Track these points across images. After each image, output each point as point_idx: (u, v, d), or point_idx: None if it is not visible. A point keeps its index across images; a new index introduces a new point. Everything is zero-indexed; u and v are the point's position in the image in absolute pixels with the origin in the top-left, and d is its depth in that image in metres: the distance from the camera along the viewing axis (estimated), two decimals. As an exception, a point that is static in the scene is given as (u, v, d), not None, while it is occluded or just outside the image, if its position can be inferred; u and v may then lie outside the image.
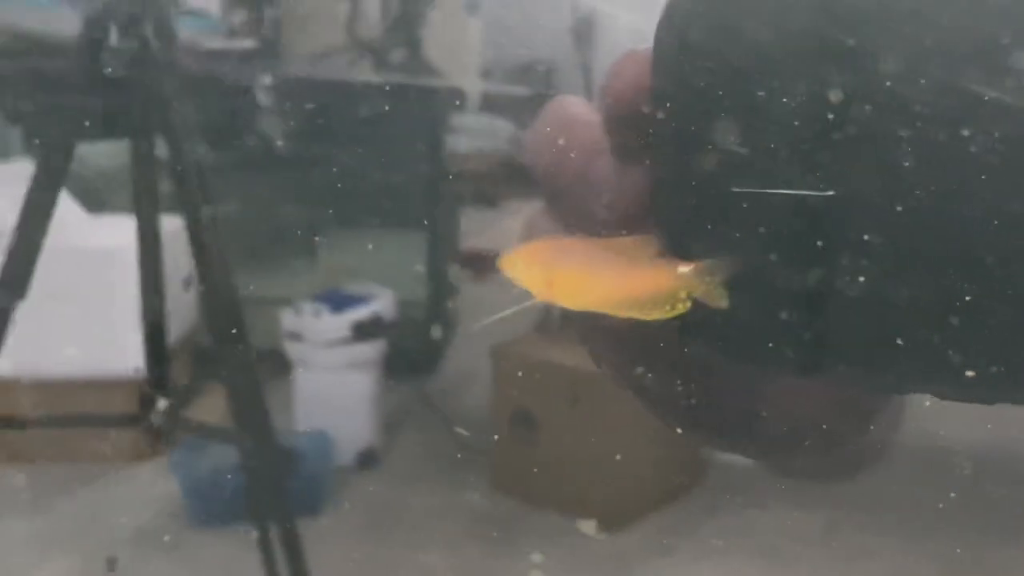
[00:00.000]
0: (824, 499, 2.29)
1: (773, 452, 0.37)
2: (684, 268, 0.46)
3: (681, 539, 2.12)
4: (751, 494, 2.32)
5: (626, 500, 2.17)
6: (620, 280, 0.51)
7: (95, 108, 0.96)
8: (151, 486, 2.31)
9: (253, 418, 0.84)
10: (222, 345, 0.88)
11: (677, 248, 0.27)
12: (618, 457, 2.13)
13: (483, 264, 4.40)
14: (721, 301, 0.45)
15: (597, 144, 0.28)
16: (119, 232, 2.44)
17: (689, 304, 0.42)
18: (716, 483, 2.36)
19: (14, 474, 2.20)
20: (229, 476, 2.02)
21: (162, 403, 0.92)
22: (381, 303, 2.46)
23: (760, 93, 0.23)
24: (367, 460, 2.41)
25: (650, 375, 0.31)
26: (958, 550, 2.03)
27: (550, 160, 0.30)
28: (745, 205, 0.24)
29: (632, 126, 0.26)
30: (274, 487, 0.93)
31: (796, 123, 0.22)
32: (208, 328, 0.98)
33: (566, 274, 0.51)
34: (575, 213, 0.29)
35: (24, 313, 2.34)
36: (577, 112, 0.29)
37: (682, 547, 2.09)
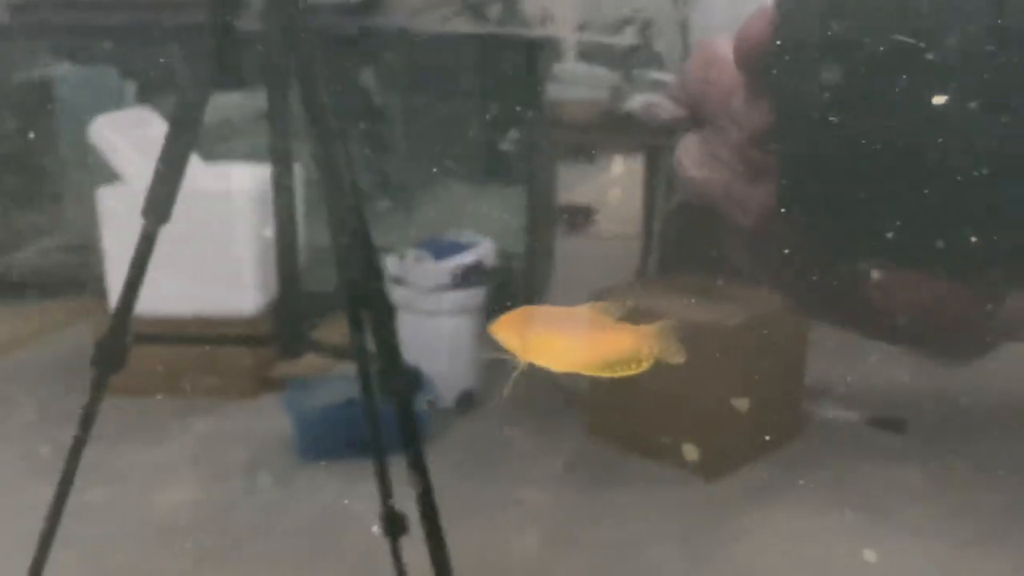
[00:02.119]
0: (925, 454, 2.26)
1: (888, 335, 0.40)
2: (644, 332, 0.54)
3: (779, 490, 2.12)
4: (850, 447, 2.31)
5: (723, 449, 2.18)
6: (586, 344, 0.59)
7: (231, 58, 1.01)
8: (259, 421, 2.41)
9: (385, 342, 0.88)
10: (359, 276, 0.91)
11: (797, 163, 0.32)
12: (716, 406, 2.14)
13: (579, 217, 4.41)
14: (678, 358, 0.53)
15: (734, 81, 0.33)
16: (232, 178, 2.54)
17: (650, 362, 0.50)
18: (814, 435, 2.35)
19: (134, 405, 2.32)
20: (342, 409, 2.11)
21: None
22: (482, 251, 2.50)
23: (856, 41, 0.29)
24: (466, 402, 2.47)
25: (782, 270, 0.37)
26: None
27: (697, 93, 0.35)
28: (847, 126, 0.29)
29: (759, 67, 0.32)
30: (405, 406, 0.98)
31: (884, 65, 0.28)
32: (342, 260, 1.02)
33: (538, 340, 0.60)
34: (716, 136, 0.35)
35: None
36: (720, 53, 0.35)
37: (780, 498, 2.09)
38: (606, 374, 0.62)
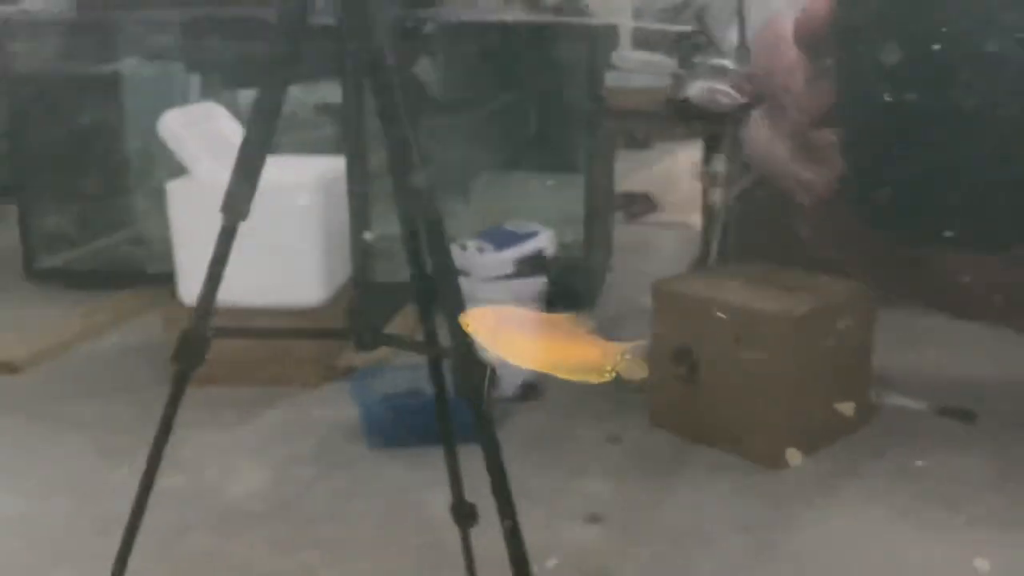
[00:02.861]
0: (995, 444, 2.22)
1: (967, 313, 0.41)
2: (612, 348, 0.59)
3: (847, 479, 2.10)
4: (919, 437, 2.27)
5: (789, 438, 2.16)
6: (553, 348, 0.63)
7: (307, 52, 1.03)
8: (325, 410, 2.45)
9: (458, 337, 0.89)
10: (436, 273, 0.92)
11: (856, 141, 0.32)
12: (782, 394, 2.12)
13: (636, 206, 4.39)
14: (640, 376, 0.57)
15: (797, 60, 0.34)
16: (297, 170, 2.58)
17: (612, 375, 0.54)
18: (883, 425, 2.32)
19: (202, 395, 2.37)
20: (408, 398, 2.14)
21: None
22: (543, 240, 2.51)
23: (907, 24, 0.30)
24: (529, 392, 2.48)
25: (846, 247, 0.38)
26: None
27: (762, 72, 0.36)
28: (902, 110, 0.30)
29: (819, 46, 0.33)
30: (479, 401, 1.00)
31: (932, 46, 0.29)
32: (412, 254, 1.04)
33: (510, 337, 0.64)
34: (780, 116, 0.36)
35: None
36: (785, 33, 0.35)
37: (848, 487, 2.07)
38: (567, 377, 0.65)
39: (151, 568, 1.84)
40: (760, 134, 0.39)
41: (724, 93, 2.47)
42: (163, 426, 1.12)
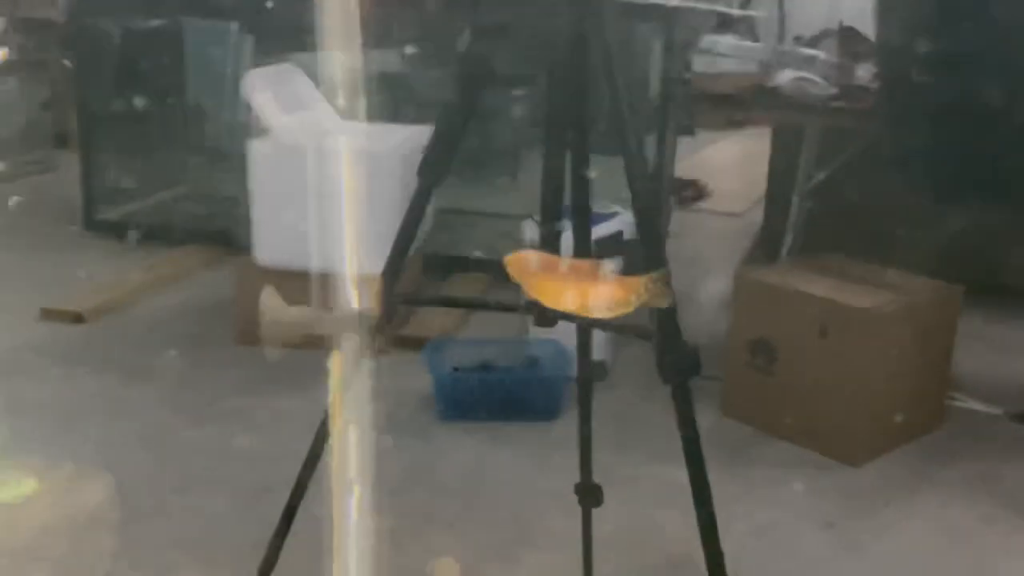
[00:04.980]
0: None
1: None
2: (633, 282, 0.65)
3: (924, 481, 2.08)
4: (994, 442, 2.26)
5: (867, 436, 2.15)
6: (585, 290, 0.69)
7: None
8: (396, 379, 2.44)
9: (667, 319, 0.87)
10: (647, 260, 0.90)
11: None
12: (861, 391, 2.11)
13: (687, 192, 4.36)
14: (663, 303, 0.63)
15: None
16: (380, 137, 2.55)
17: (634, 308, 0.61)
18: (958, 427, 2.31)
19: (280, 358, 2.36)
20: (483, 372, 2.11)
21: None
22: (622, 221, 2.49)
23: None
24: (597, 372, 2.46)
25: None
26: None
27: None
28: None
29: None
30: (683, 386, 0.99)
31: None
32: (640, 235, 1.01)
33: (539, 281, 0.70)
34: None
35: (294, 211, 2.46)
36: None
37: (927, 489, 2.06)
38: (596, 314, 0.67)
39: (235, 524, 1.84)
40: None
41: (814, 83, 2.44)
42: (336, 399, 1.11)
